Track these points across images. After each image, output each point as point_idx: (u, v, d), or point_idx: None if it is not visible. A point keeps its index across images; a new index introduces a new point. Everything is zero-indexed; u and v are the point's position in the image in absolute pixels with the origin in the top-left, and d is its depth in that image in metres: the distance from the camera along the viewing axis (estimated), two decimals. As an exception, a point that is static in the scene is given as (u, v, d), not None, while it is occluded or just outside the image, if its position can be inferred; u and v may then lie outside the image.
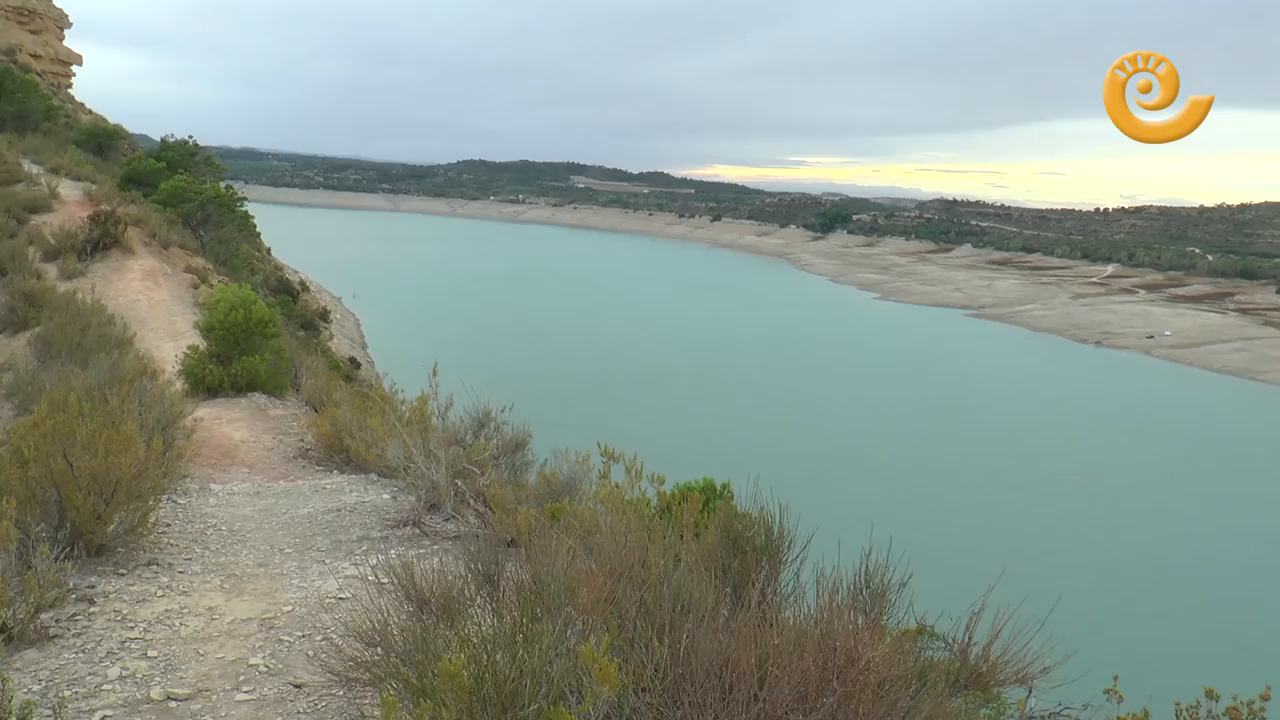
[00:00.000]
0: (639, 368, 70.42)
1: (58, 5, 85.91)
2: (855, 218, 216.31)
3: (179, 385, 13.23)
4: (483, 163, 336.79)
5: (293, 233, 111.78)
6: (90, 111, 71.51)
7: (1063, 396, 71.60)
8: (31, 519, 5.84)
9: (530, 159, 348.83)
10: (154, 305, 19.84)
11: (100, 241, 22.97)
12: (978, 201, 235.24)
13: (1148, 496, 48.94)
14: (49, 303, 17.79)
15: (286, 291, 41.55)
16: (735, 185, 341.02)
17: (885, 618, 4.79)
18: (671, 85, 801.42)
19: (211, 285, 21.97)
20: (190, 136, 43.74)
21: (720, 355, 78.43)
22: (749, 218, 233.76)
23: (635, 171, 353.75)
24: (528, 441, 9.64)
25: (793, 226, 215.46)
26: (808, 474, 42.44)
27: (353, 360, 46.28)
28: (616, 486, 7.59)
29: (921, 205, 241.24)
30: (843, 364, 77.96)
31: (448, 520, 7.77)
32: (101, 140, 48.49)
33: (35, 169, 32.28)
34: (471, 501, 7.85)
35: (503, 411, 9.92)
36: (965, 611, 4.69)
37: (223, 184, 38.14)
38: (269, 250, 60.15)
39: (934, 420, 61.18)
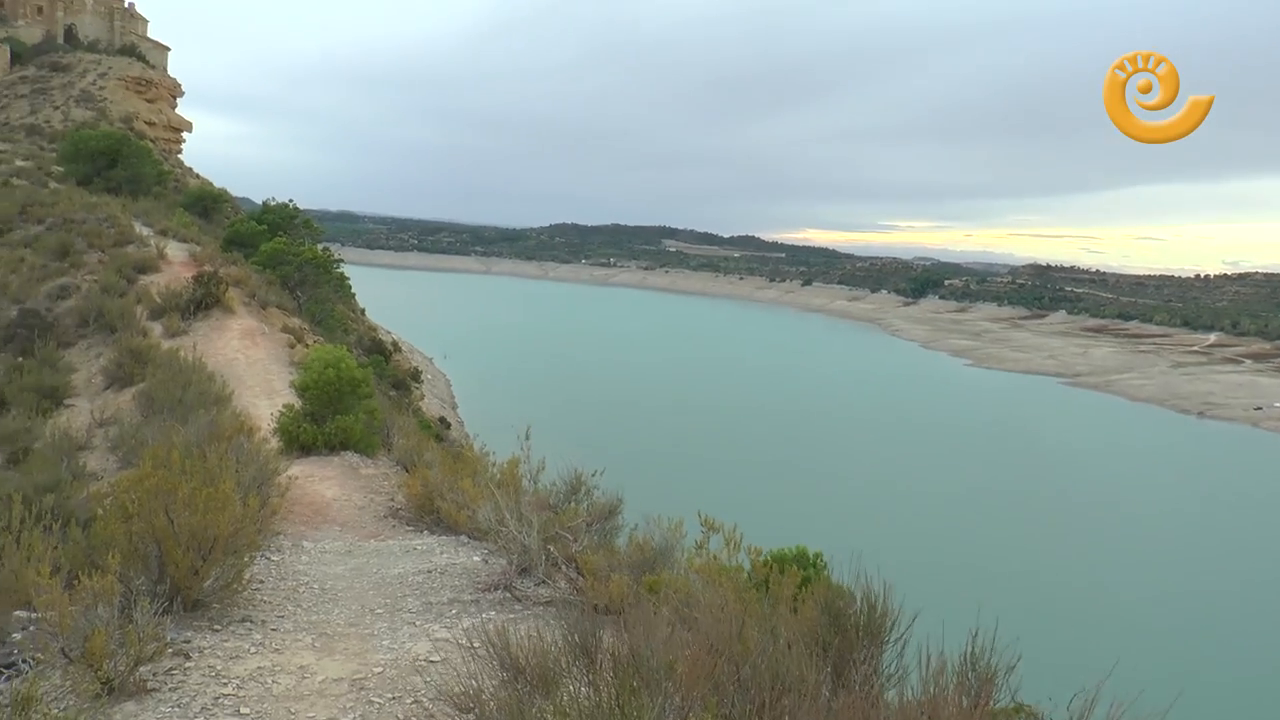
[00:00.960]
0: (729, 432, 70.00)
1: (172, 75, 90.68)
2: (946, 283, 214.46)
3: (274, 443, 13.53)
4: (574, 226, 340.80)
5: (386, 294, 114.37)
6: (197, 176, 74.82)
7: (1168, 471, 68.98)
8: (133, 573, 5.99)
9: (621, 222, 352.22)
10: (251, 363, 20.40)
11: (203, 301, 23.76)
12: (1072, 267, 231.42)
13: (1271, 583, 46.55)
14: (153, 360, 18.44)
15: (379, 352, 42.40)
16: (826, 249, 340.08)
17: (992, 703, 4.61)
18: (762, 149, 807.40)
19: (307, 345, 22.55)
20: (290, 200, 45.36)
21: (810, 421, 77.61)
22: (840, 282, 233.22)
23: (726, 235, 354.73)
24: (620, 508, 9.61)
25: (884, 291, 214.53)
26: (904, 545, 41.46)
27: (443, 420, 46.95)
28: (714, 558, 7.50)
29: (1014, 270, 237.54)
30: (935, 432, 76.42)
31: (539, 585, 7.74)
32: (207, 203, 50.61)
33: (145, 231, 33.70)
34: (564, 567, 7.82)
35: (593, 475, 9.93)
36: (1078, 697, 4.48)
37: (320, 246, 39.33)
38: (363, 311, 61.68)
39: (1032, 493, 59.43)
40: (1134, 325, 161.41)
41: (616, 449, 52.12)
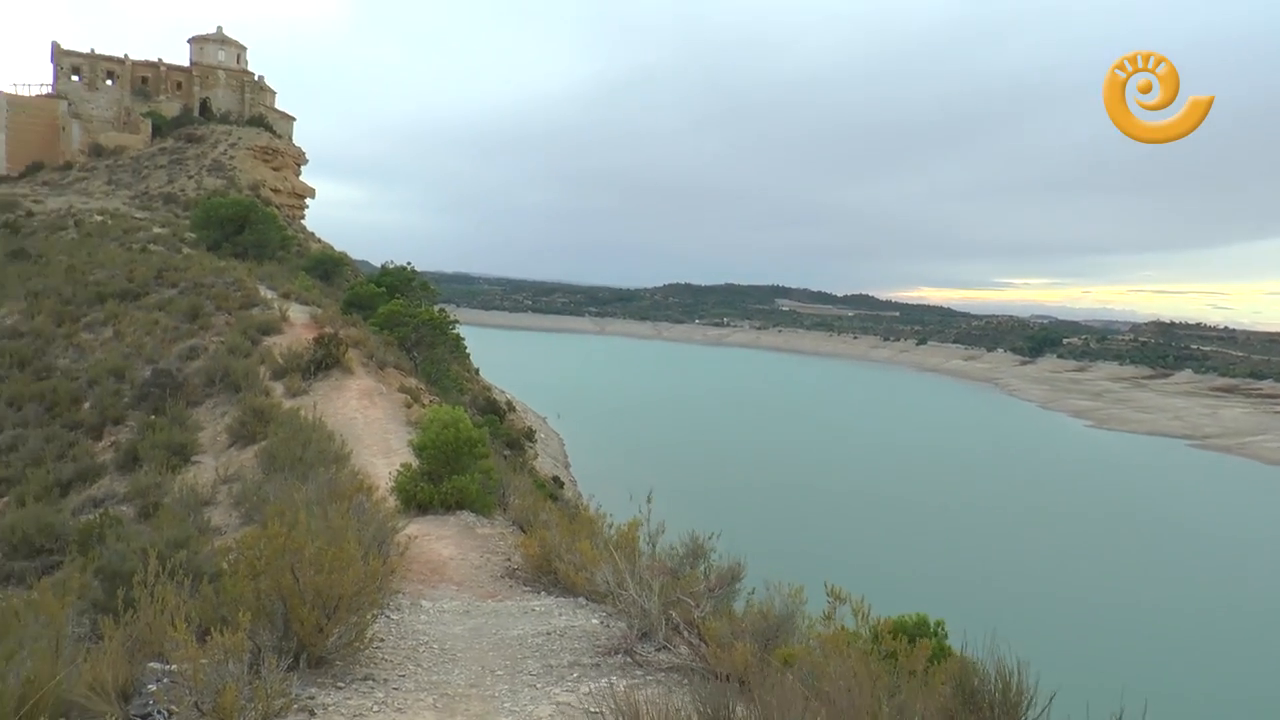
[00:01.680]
0: (844, 494, 68.74)
1: (297, 144, 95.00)
2: (1065, 341, 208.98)
3: (391, 501, 13.75)
4: (687, 286, 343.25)
5: (500, 354, 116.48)
6: (319, 240, 77.83)
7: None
8: (260, 629, 6.10)
9: (735, 282, 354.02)
10: (369, 423, 20.86)
11: (323, 362, 24.48)
12: (1198, 324, 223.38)
13: None
14: (275, 418, 19.02)
15: (494, 411, 43.02)
16: (940, 308, 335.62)
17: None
18: (875, 206, 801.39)
19: (423, 405, 22.98)
20: (408, 263, 46.70)
21: (926, 483, 75.64)
22: (955, 341, 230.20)
23: (839, 294, 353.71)
24: (741, 573, 9.47)
25: (1000, 350, 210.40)
26: (1032, 615, 39.96)
27: (556, 480, 47.22)
28: (842, 629, 7.29)
29: (1136, 328, 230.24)
30: (1057, 495, 73.66)
31: (660, 650, 7.62)
32: (328, 267, 52.50)
33: (269, 294, 35.03)
34: (685, 633, 7.69)
35: (710, 538, 9.81)
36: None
37: (436, 307, 40.31)
38: (477, 371, 62.85)
39: (1167, 562, 56.62)
40: (1267, 385, 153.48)
41: (731, 510, 51.74)
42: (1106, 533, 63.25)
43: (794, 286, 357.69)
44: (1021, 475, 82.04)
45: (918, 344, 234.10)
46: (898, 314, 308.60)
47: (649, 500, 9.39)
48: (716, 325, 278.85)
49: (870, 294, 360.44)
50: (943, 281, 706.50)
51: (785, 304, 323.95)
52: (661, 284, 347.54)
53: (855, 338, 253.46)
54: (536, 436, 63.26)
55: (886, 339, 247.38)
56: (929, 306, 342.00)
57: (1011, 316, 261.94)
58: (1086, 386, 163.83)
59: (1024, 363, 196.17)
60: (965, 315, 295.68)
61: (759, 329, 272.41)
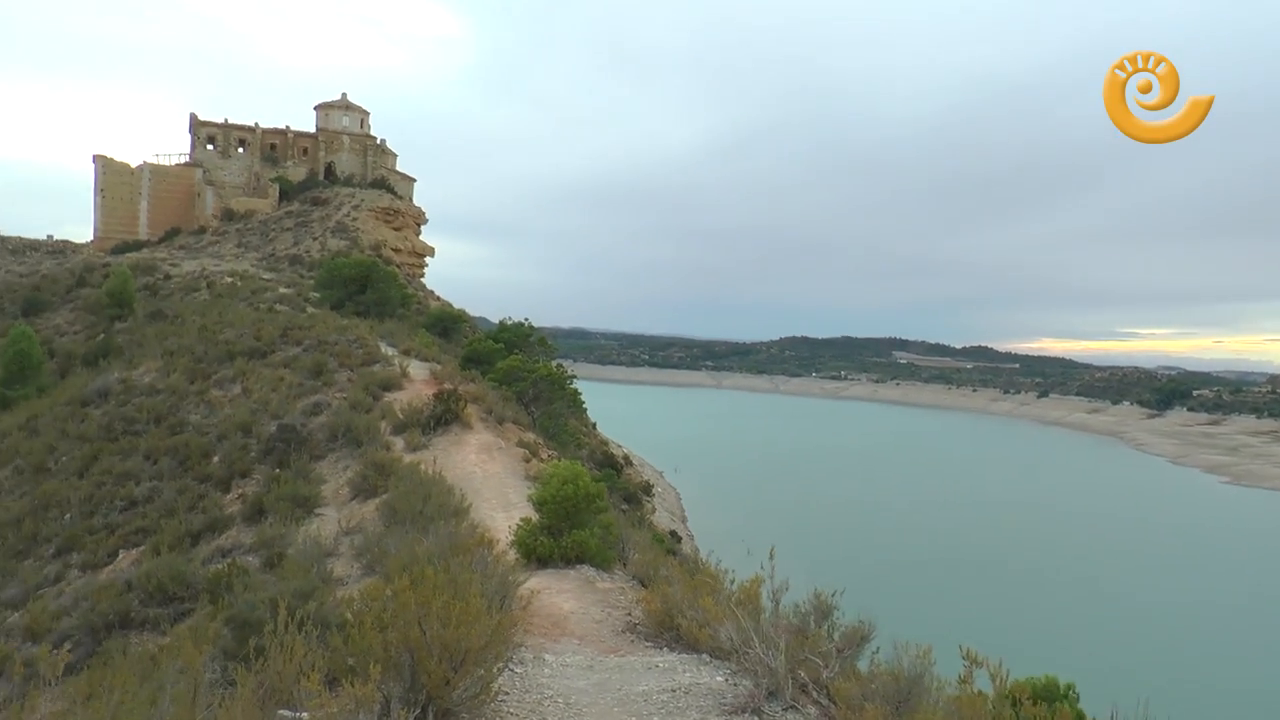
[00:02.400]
0: (965, 550, 66.89)
1: (417, 204, 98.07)
2: (1195, 393, 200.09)
3: (512, 555, 13.82)
4: (804, 339, 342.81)
5: (617, 409, 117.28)
6: (438, 298, 79.82)
7: None
8: (388, 680, 6.16)
9: (852, 334, 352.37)
10: (488, 477, 21.10)
11: (442, 417, 24.92)
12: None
13: None
14: (396, 472, 19.38)
15: (611, 466, 43.28)
16: (1062, 359, 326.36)
17: None
18: (992, 255, 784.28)
19: (541, 459, 23.17)
20: (526, 319, 47.55)
21: (1050, 540, 73.03)
22: (1077, 393, 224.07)
23: (958, 346, 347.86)
24: (871, 634, 9.22)
25: (1125, 403, 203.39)
26: (1167, 678, 37.96)
27: (674, 534, 47.13)
28: (978, 693, 7.02)
29: (1274, 379, 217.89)
30: (1193, 557, 70.14)
31: (787, 710, 7.43)
32: (446, 324, 53.79)
33: (390, 351, 35.97)
34: (813, 693, 7.49)
35: (833, 595, 9.60)
36: None
37: (553, 363, 40.84)
38: (595, 425, 63.31)
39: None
40: None
41: (853, 567, 50.77)
42: (1253, 598, 59.85)
43: (911, 338, 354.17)
44: (1155, 533, 78.64)
45: (1039, 397, 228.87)
46: (1018, 366, 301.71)
47: (771, 557, 9.25)
48: (834, 379, 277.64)
49: (989, 345, 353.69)
50: (1064, 332, 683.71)
51: (903, 356, 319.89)
52: (778, 337, 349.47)
53: (974, 391, 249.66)
54: (654, 491, 63.44)
55: (1006, 392, 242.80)
56: (1050, 358, 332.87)
57: (1137, 368, 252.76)
58: (1220, 441, 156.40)
59: (1152, 416, 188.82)
60: (1088, 366, 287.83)
61: (876, 382, 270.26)
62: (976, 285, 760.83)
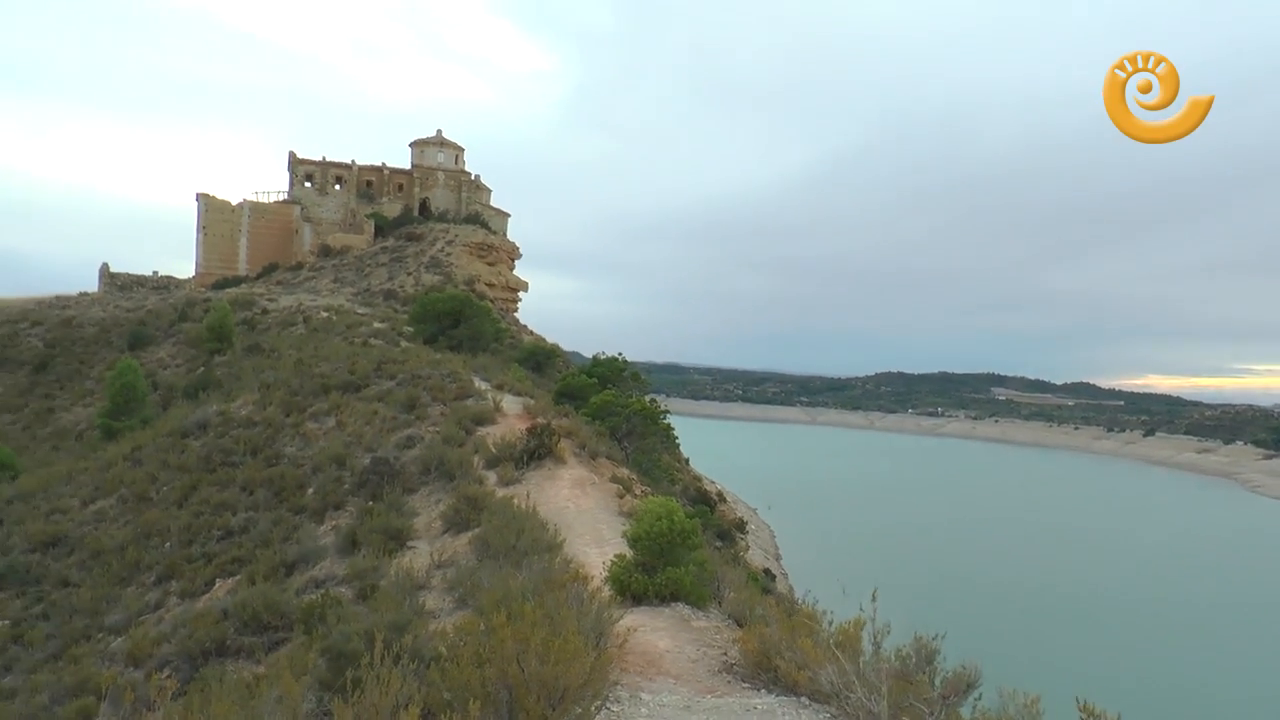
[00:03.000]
0: (1068, 592, 64.97)
1: (511, 239, 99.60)
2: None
3: (606, 591, 13.78)
4: (900, 374, 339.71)
5: (710, 444, 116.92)
6: (531, 332, 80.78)
7: None
8: (486, 718, 6.16)
9: (948, 370, 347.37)
10: (581, 512, 21.12)
11: (535, 451, 25.06)
12: None
13: None
14: (488, 506, 19.51)
15: (705, 502, 43.21)
16: (1169, 396, 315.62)
17: None
18: (1095, 288, 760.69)
19: (635, 495, 23.14)
20: (619, 353, 47.77)
21: (1162, 584, 70.51)
22: (1186, 432, 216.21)
23: (1059, 382, 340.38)
24: (978, 681, 8.96)
25: (1239, 443, 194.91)
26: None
27: (768, 572, 46.81)
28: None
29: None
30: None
31: (894, 757, 7.22)
32: (540, 358, 54.30)
33: (483, 385, 36.36)
34: (921, 739, 7.27)
35: (935, 639, 9.38)
36: None
37: (647, 397, 40.93)
38: (688, 461, 63.21)
39: None
40: None
41: (953, 609, 49.65)
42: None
43: (1010, 374, 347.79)
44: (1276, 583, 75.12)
45: (1145, 435, 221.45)
46: (1122, 403, 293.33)
47: (874, 599, 9.07)
48: (930, 415, 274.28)
49: (1092, 382, 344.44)
50: (1172, 368, 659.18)
51: (1001, 393, 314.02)
52: (873, 372, 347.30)
53: (1076, 428, 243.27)
54: (747, 528, 63.16)
55: (1110, 430, 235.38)
56: (1157, 395, 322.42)
57: (1251, 406, 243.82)
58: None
59: (1268, 456, 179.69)
60: (1197, 404, 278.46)
61: (974, 419, 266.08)
62: (1079, 319, 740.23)
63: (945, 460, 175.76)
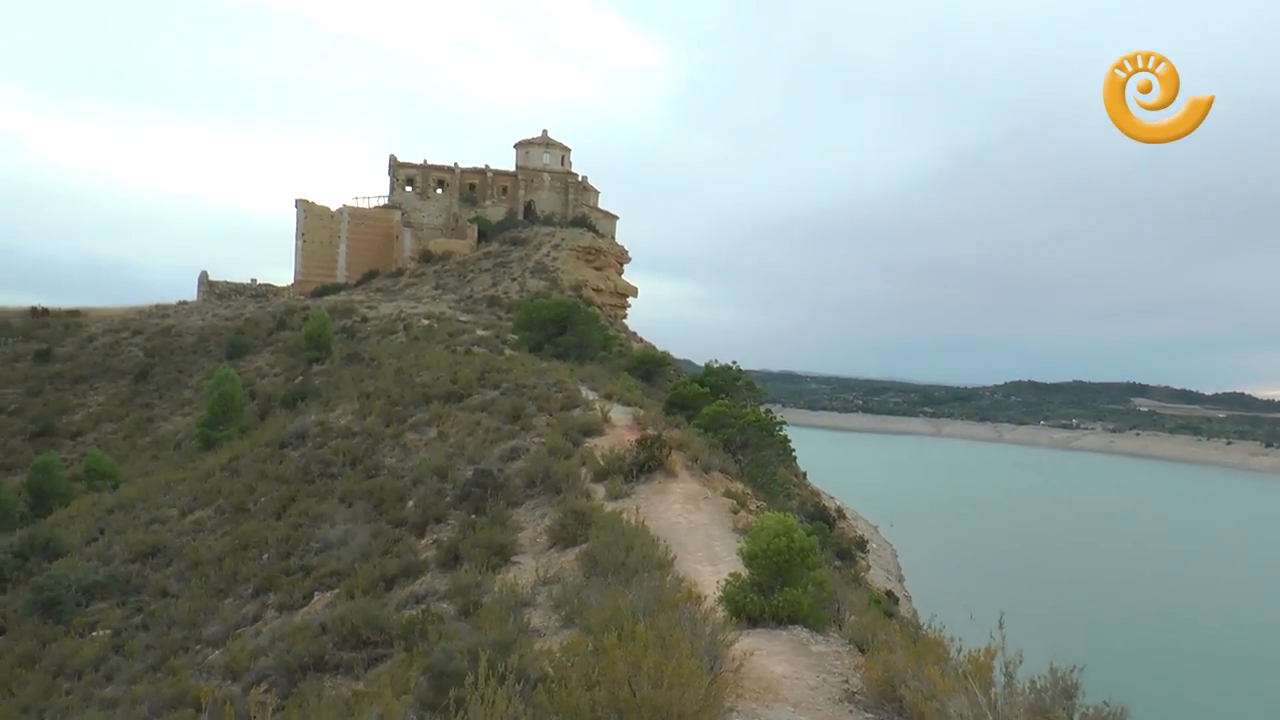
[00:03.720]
0: (1221, 632, 62.38)
1: (619, 243, 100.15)
2: None
3: (719, 612, 13.63)
4: (1031, 384, 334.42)
5: (828, 457, 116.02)
6: (640, 339, 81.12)
7: None
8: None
9: (1084, 379, 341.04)
10: (693, 528, 20.99)
11: (645, 464, 25.03)
12: None
13: None
14: (596, 521, 19.53)
15: (823, 518, 42.93)
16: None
17: None
18: (1252, 287, 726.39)
19: (750, 510, 22.93)
20: (733, 361, 47.62)
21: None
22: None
23: (1208, 392, 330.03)
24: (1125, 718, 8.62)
25: None
26: None
27: (890, 594, 46.30)
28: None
29: None
30: None
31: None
32: (650, 367, 54.45)
33: (591, 395, 36.51)
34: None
35: (1073, 671, 9.07)
36: None
37: (762, 408, 40.64)
38: (805, 475, 62.69)
39: None
40: None
41: (1091, 640, 48.35)
42: None
43: (1153, 384, 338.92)
44: None
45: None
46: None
47: (1001, 626, 8.80)
48: (1064, 427, 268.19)
49: (1246, 392, 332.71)
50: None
51: (1143, 404, 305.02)
52: (1002, 382, 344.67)
53: (1229, 443, 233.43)
54: (868, 547, 62.65)
55: (1269, 445, 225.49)
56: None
57: None
58: None
59: None
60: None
61: (1113, 432, 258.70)
62: (1231, 323, 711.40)
63: (1081, 476, 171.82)
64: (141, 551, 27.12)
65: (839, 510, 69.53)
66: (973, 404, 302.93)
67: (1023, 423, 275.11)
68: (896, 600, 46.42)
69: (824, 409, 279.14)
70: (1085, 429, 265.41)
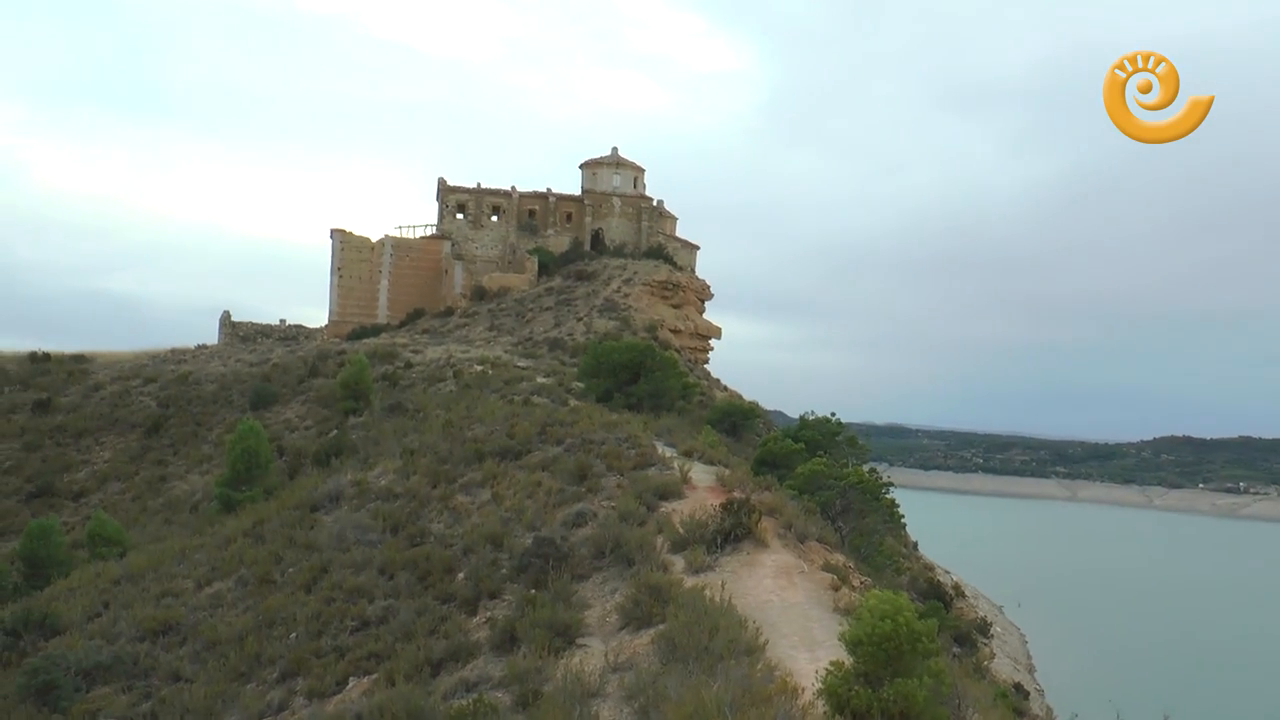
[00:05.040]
0: None
1: (700, 276, 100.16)
2: None
3: (820, 707, 13.42)
4: (1187, 439, 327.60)
5: (944, 524, 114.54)
6: (725, 387, 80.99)
7: None
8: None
9: (1253, 434, 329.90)
10: (786, 607, 20.74)
11: (731, 532, 24.81)
12: None
13: None
14: (675, 598, 19.37)
15: (938, 597, 42.40)
16: None
17: None
18: None
19: (853, 587, 22.61)
20: (832, 413, 47.34)
21: None
22: None
23: None
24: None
25: None
26: None
27: (1019, 687, 45.55)
28: None
29: None
30: None
31: None
32: (735, 419, 54.22)
33: (668, 451, 36.39)
34: None
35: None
36: None
37: (866, 467, 40.31)
38: (916, 545, 61.96)
39: None
40: None
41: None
42: None
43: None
44: None
45: None
46: None
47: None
48: (1229, 491, 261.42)
49: None
50: None
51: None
52: (1151, 437, 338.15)
53: None
54: (992, 630, 61.68)
55: None
56: None
57: None
58: None
59: None
60: None
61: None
62: None
63: (1251, 550, 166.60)
64: (151, 629, 27.29)
65: (957, 587, 68.49)
66: (1115, 463, 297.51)
67: (1177, 485, 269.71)
68: (1027, 694, 45.55)
69: (937, 468, 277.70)
70: (1256, 494, 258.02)
